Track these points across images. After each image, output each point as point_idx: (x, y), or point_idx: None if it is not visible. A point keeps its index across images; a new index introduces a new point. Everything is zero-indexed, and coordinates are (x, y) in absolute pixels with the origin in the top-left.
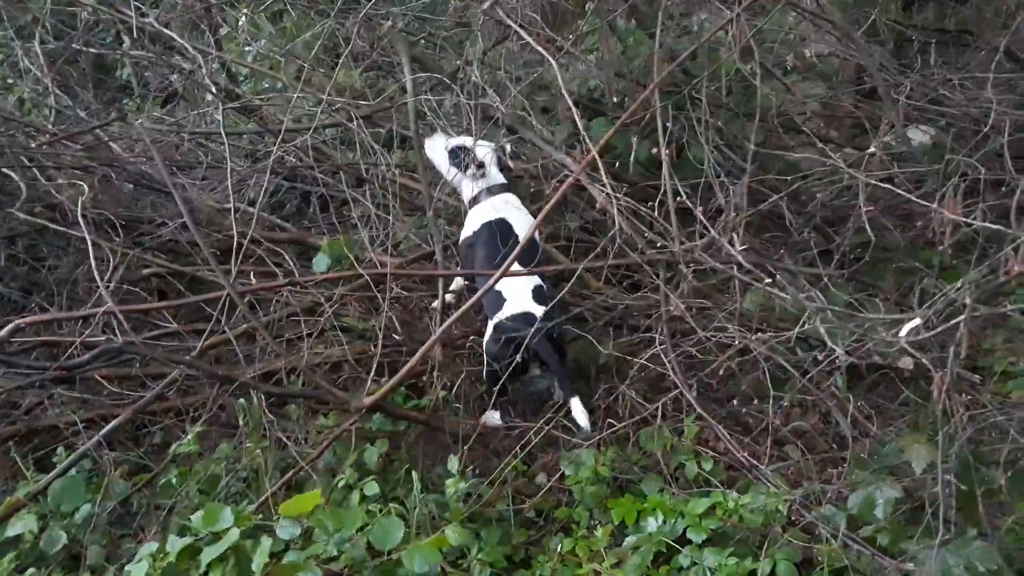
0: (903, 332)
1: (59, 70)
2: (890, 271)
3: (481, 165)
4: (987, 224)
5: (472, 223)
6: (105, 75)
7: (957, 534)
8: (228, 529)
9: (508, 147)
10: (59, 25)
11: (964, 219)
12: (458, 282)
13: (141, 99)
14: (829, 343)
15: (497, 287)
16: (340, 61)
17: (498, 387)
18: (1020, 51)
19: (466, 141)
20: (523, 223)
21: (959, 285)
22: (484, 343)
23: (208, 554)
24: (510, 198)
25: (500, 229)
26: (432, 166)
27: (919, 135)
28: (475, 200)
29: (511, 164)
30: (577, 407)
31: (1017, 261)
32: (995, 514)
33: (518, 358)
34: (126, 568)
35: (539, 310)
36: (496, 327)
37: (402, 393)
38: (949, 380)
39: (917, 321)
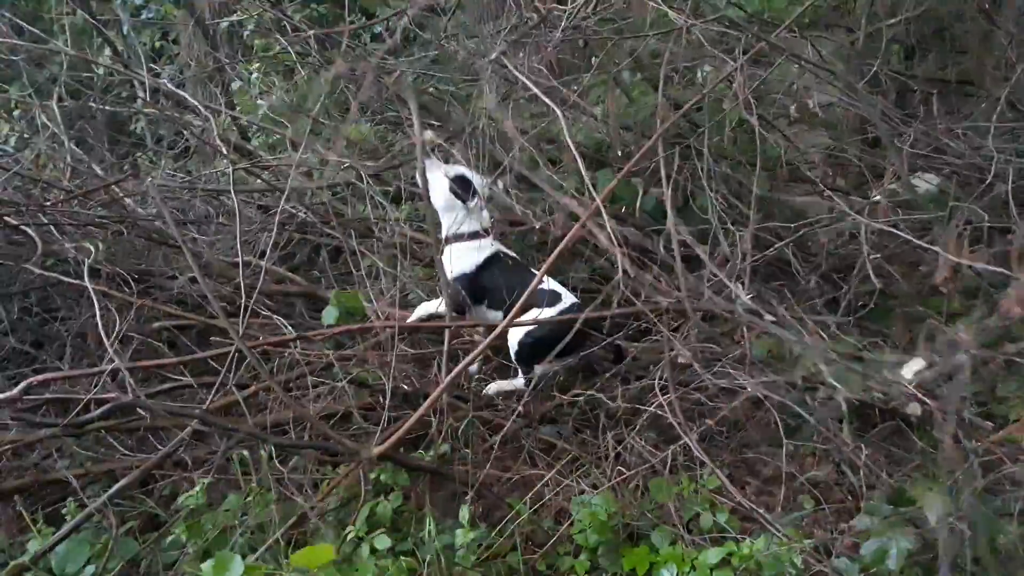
0: (907, 372)
1: (75, 126)
2: (898, 318)
3: (485, 197)
4: (989, 267)
5: (468, 257)
6: (119, 131)
7: None
8: None
9: (502, 183)
10: (75, 83)
11: (965, 260)
12: (428, 308)
13: (154, 154)
14: (832, 384)
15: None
16: (349, 114)
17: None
18: (1021, 101)
19: (465, 171)
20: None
21: (961, 326)
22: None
23: None
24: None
25: (508, 260)
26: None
27: (924, 183)
28: (462, 236)
29: (508, 199)
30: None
31: (1011, 303)
32: (1015, 567)
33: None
34: None
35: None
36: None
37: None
38: (955, 424)
39: (920, 362)
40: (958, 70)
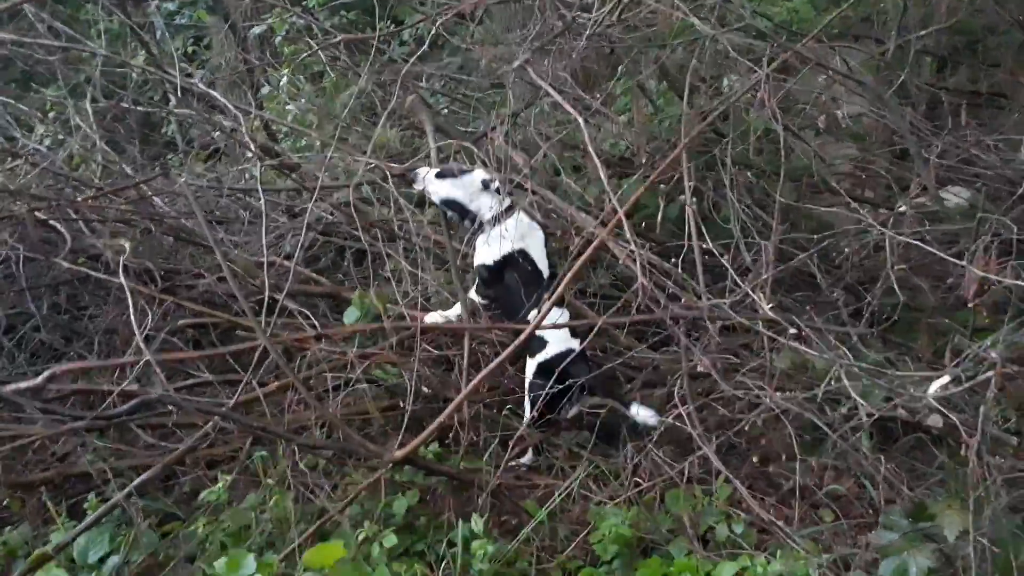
0: (931, 390)
1: (107, 127)
2: (923, 331)
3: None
4: (1018, 282)
5: (495, 247)
6: (151, 131)
7: None
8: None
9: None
10: (109, 85)
11: (991, 275)
12: (447, 314)
13: (184, 155)
14: (855, 398)
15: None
16: (378, 121)
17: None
18: None
19: (446, 191)
20: (539, 246)
21: (988, 342)
22: (528, 384)
23: None
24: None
25: (526, 263)
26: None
27: (955, 197)
28: (494, 220)
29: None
30: (640, 412)
31: None
32: None
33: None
34: None
35: (577, 344)
36: (540, 366)
37: (435, 451)
38: (979, 440)
39: (945, 378)
40: (990, 82)
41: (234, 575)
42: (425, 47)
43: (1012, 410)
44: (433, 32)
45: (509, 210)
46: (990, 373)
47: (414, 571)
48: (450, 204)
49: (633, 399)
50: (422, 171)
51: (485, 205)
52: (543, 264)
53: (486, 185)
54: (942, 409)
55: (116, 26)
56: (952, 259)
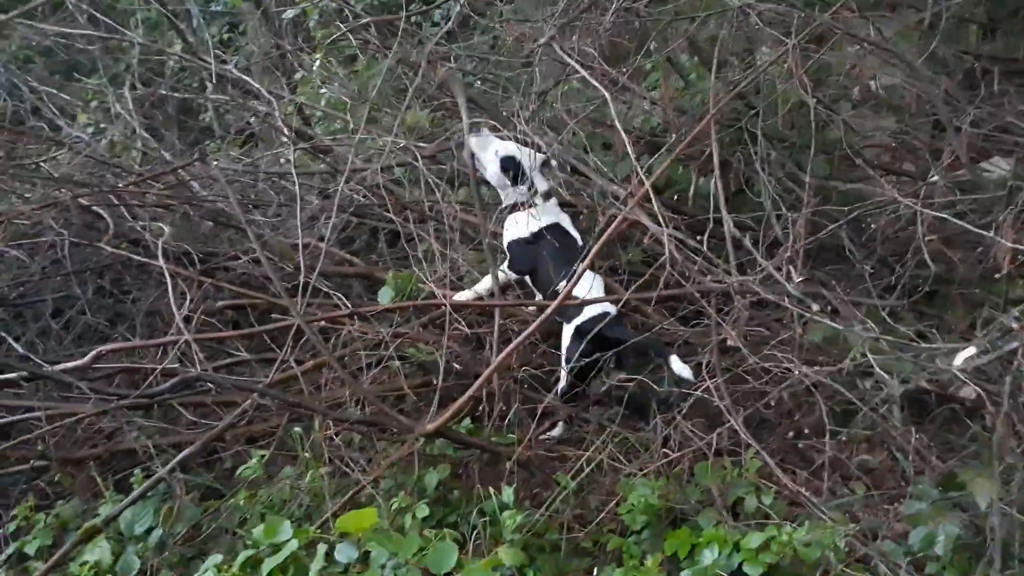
0: (957, 361)
1: (146, 114)
2: (957, 303)
3: (531, 186)
4: None
5: (525, 223)
6: (189, 118)
7: (1022, 571)
8: (288, 541)
9: (554, 160)
10: (147, 73)
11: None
12: (478, 288)
13: (221, 140)
14: (880, 372)
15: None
16: (406, 102)
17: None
18: None
19: (513, 150)
20: (570, 221)
21: (1016, 312)
22: (565, 348)
23: (268, 564)
24: (555, 206)
25: (561, 237)
26: (476, 164)
27: (998, 169)
28: (523, 205)
29: (557, 175)
30: (677, 364)
31: None
32: None
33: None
34: None
35: (613, 309)
36: (578, 330)
37: (467, 426)
38: (1008, 408)
39: (972, 350)
40: None
41: (271, 540)
42: (452, 25)
43: None
44: (459, 12)
45: (548, 194)
46: (1015, 343)
47: (444, 536)
48: (510, 164)
49: (672, 352)
50: (485, 129)
51: (539, 178)
52: (577, 235)
53: (546, 162)
54: (967, 380)
55: (153, 15)
56: (980, 230)
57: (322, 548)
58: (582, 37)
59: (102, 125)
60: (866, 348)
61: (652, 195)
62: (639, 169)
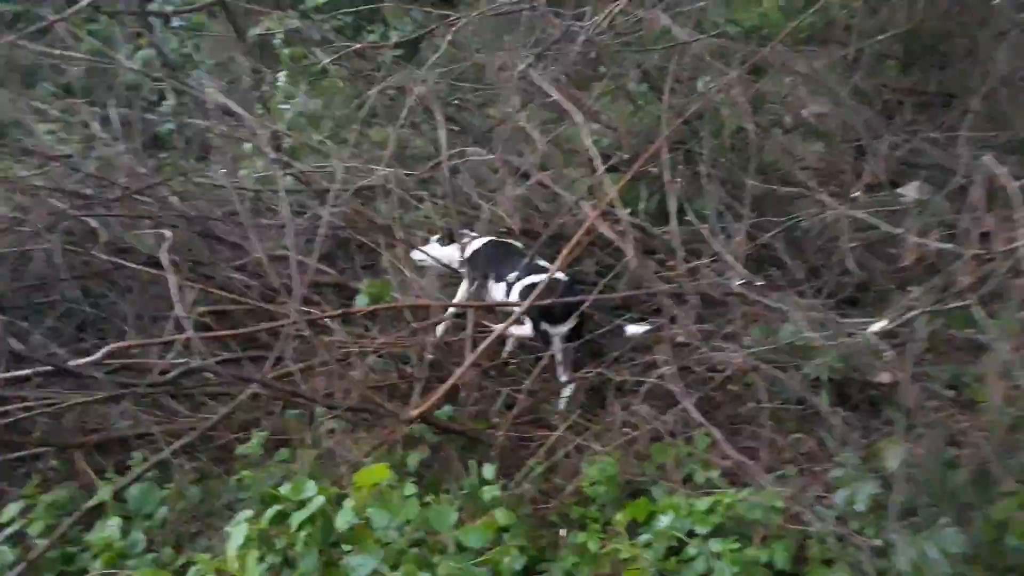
0: (871, 329)
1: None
2: (876, 304)
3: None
4: (941, 245)
5: (473, 244)
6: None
7: (929, 523)
8: (313, 497)
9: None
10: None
11: (924, 241)
12: (461, 296)
13: (183, 154)
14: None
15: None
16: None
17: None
18: (995, 112)
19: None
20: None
21: (916, 291)
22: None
23: (297, 517)
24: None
25: (500, 244)
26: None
27: (912, 193)
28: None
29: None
30: (631, 328)
31: (963, 272)
32: (962, 509)
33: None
34: (226, 530)
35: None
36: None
37: (447, 413)
38: (911, 376)
39: (883, 322)
40: (943, 83)
41: (298, 496)
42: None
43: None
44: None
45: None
46: (915, 312)
47: (440, 501)
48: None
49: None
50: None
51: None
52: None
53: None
54: (881, 348)
55: (104, 27)
56: (891, 228)
57: (349, 502)
58: (550, 65)
59: (72, 138)
60: (802, 323)
61: (618, 205)
62: (603, 184)
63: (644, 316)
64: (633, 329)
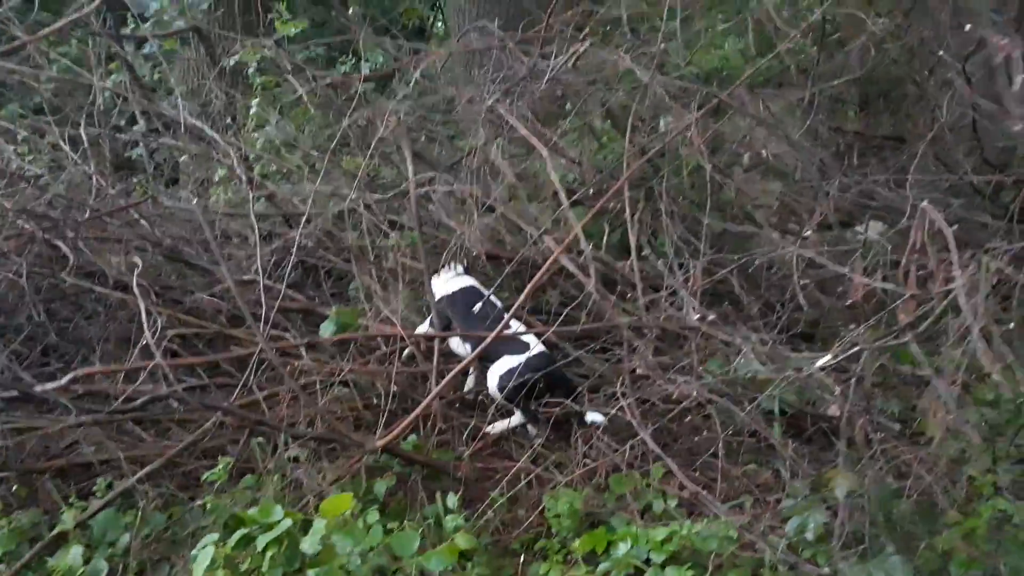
0: (819, 363)
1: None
2: (827, 339)
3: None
4: (885, 285)
5: (445, 286)
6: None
7: (876, 552)
8: (280, 520)
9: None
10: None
11: (868, 282)
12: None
13: (152, 178)
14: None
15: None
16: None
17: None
18: (943, 155)
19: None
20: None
21: (861, 328)
22: (497, 384)
23: (264, 539)
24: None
25: (473, 293)
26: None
27: (874, 231)
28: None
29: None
30: (590, 415)
31: (902, 311)
32: (907, 537)
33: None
34: (191, 553)
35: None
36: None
37: (413, 442)
38: (863, 412)
39: (828, 356)
40: (895, 127)
41: (265, 519)
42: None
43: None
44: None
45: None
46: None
47: (404, 528)
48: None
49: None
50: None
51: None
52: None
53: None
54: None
55: (75, 50)
56: (839, 267)
57: (319, 523)
58: (516, 101)
59: (45, 159)
60: (753, 356)
61: (582, 239)
62: (568, 219)
63: (605, 347)
64: (592, 416)
